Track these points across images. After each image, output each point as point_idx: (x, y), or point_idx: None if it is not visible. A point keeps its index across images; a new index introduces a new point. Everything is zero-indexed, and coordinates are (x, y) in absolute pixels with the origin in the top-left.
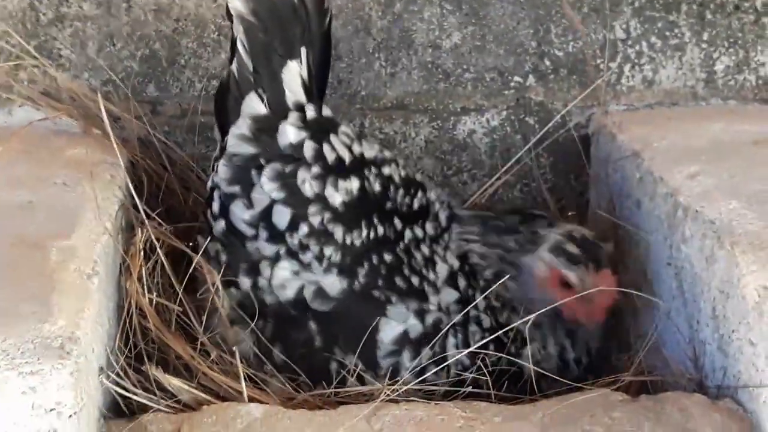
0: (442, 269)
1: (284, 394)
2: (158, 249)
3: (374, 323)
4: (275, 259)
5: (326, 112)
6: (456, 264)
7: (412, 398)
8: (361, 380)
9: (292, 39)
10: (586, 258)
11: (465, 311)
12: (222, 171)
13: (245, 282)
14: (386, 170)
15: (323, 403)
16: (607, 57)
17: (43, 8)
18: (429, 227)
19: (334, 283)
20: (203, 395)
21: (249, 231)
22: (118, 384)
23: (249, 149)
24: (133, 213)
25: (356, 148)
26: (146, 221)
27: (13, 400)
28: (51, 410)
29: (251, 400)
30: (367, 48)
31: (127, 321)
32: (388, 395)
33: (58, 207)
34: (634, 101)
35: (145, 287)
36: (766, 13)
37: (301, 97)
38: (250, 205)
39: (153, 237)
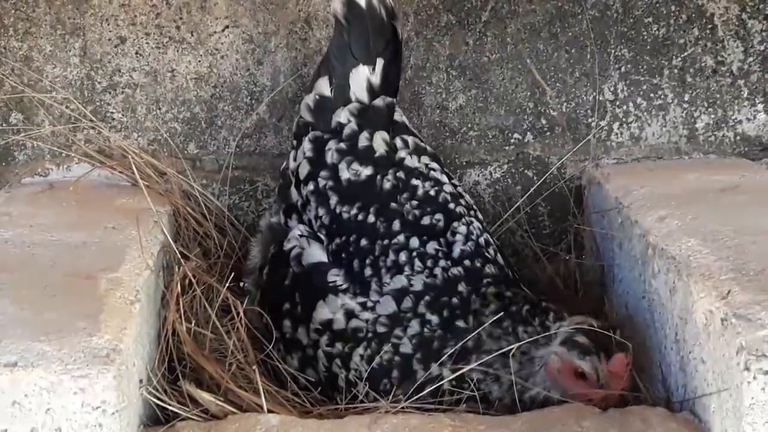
0: (399, 280)
1: (300, 408)
2: (195, 284)
3: (314, 303)
4: (295, 207)
5: (397, 116)
6: (419, 287)
7: (408, 410)
8: (297, 343)
9: (371, 48)
10: (597, 348)
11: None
12: (294, 127)
13: (281, 218)
14: (414, 181)
15: (334, 416)
16: (598, 116)
17: (98, 77)
18: (430, 246)
19: (312, 253)
20: (229, 407)
21: (290, 177)
22: (156, 396)
23: (308, 117)
24: (173, 254)
25: (401, 153)
26: (182, 260)
27: (66, 399)
28: (97, 407)
29: (270, 412)
30: None
31: (164, 345)
32: (387, 410)
33: (108, 246)
34: (623, 155)
35: (182, 316)
36: (742, 76)
37: (363, 96)
38: (295, 157)
39: (189, 273)
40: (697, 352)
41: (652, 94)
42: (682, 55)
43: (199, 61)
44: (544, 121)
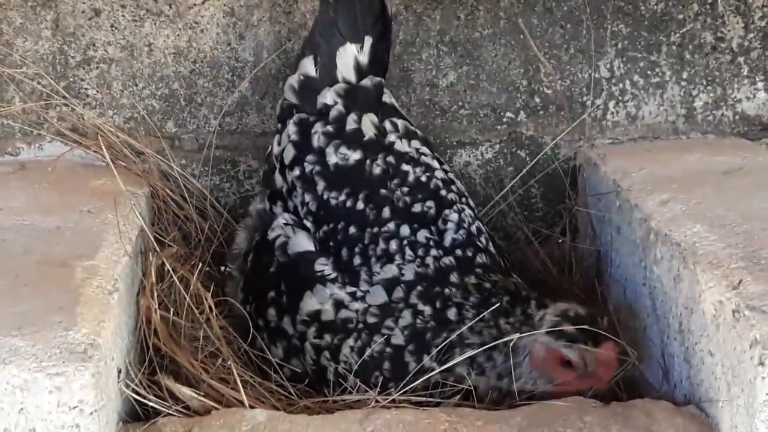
0: (390, 270)
1: (285, 401)
2: (170, 271)
3: (302, 293)
4: (280, 193)
5: (386, 98)
6: (411, 278)
7: (402, 404)
8: (283, 333)
9: (359, 25)
10: (584, 336)
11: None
12: (278, 109)
13: (266, 204)
14: (404, 167)
15: (321, 409)
16: (593, 94)
17: (71, 52)
18: (421, 234)
19: (297, 242)
20: (210, 402)
21: (273, 163)
22: (135, 391)
23: (293, 99)
24: (150, 238)
25: (391, 137)
26: (157, 247)
27: (41, 398)
28: (74, 407)
29: (252, 407)
30: None
31: (141, 336)
32: (377, 402)
33: (83, 231)
34: (619, 135)
35: (156, 304)
36: (742, 53)
37: (351, 76)
38: (279, 141)
39: (166, 261)
40: (704, 343)
41: (649, 72)
42: (681, 31)
43: (178, 35)
44: (537, 100)
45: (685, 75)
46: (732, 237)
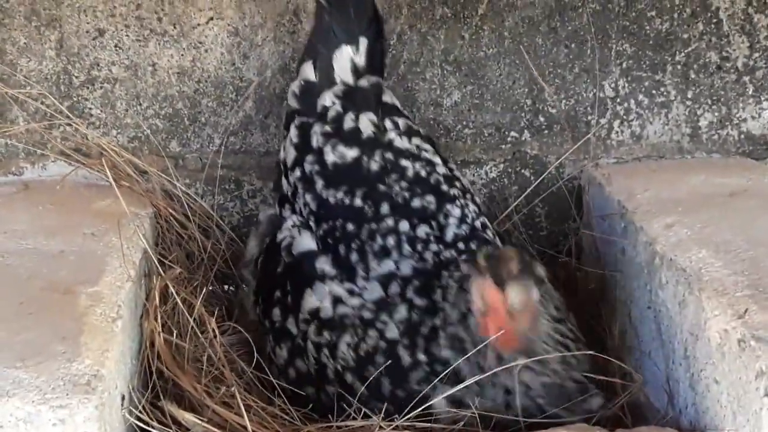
0: (386, 265)
1: (289, 426)
2: (175, 294)
3: (302, 291)
4: (287, 197)
5: (386, 97)
6: (408, 273)
7: (406, 430)
8: (287, 334)
9: (353, 28)
10: (489, 271)
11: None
12: (283, 117)
13: (277, 209)
14: (403, 162)
15: None
16: (598, 114)
17: (75, 72)
18: (421, 230)
19: (302, 242)
20: (213, 429)
21: (281, 168)
22: (138, 418)
23: (294, 104)
24: (154, 260)
25: (390, 134)
26: (161, 270)
27: (45, 431)
28: None
29: None
30: None
31: (145, 359)
32: (381, 429)
33: (87, 255)
34: (624, 155)
35: (160, 328)
36: (747, 73)
37: (348, 77)
38: (284, 147)
39: (170, 284)
40: (709, 371)
41: (654, 91)
42: (686, 51)
43: (182, 55)
44: (542, 119)
45: (690, 94)
46: (738, 263)
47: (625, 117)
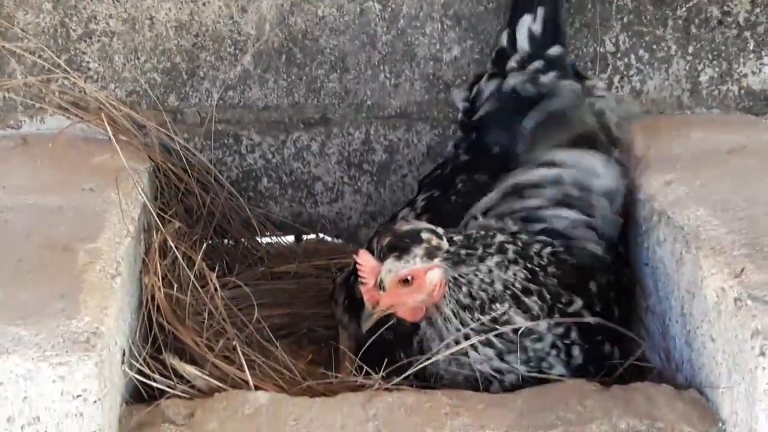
0: None
1: (288, 381)
2: (174, 248)
3: None
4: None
5: (553, 50)
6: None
7: (404, 387)
8: None
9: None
10: (375, 243)
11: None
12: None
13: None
14: None
15: (327, 390)
16: (598, 69)
17: (73, 25)
18: None
19: None
20: (215, 382)
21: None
22: (139, 371)
23: (489, 67)
24: (153, 215)
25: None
26: (160, 225)
27: (45, 387)
28: (78, 396)
29: (257, 388)
30: (373, 61)
31: (145, 314)
32: (380, 384)
33: (86, 211)
34: None
35: (161, 282)
36: (748, 28)
37: (525, 44)
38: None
39: (169, 238)
40: (705, 328)
41: (654, 46)
42: (687, 5)
43: (180, 8)
44: None
45: (690, 49)
46: (735, 222)
47: (625, 72)
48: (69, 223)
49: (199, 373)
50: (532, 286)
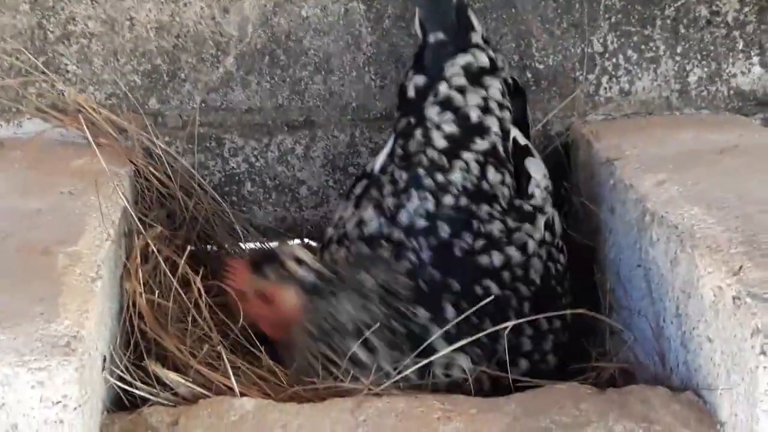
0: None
1: (274, 387)
2: (156, 253)
3: None
4: None
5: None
6: None
7: (393, 392)
8: None
9: None
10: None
11: None
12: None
13: None
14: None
15: (315, 396)
16: (586, 69)
17: (50, 26)
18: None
19: None
20: (199, 389)
21: None
22: (120, 378)
23: None
24: (134, 219)
25: None
26: (142, 229)
27: (23, 393)
28: (57, 402)
29: (242, 394)
30: (358, 62)
31: (127, 320)
32: (370, 390)
33: (65, 214)
34: (612, 111)
35: (142, 288)
36: (737, 27)
37: None
38: None
39: (151, 242)
40: (702, 329)
41: (643, 46)
42: (676, 5)
43: (160, 9)
44: (529, 75)
45: (679, 49)
46: (731, 220)
47: (613, 73)
48: (47, 227)
49: (183, 380)
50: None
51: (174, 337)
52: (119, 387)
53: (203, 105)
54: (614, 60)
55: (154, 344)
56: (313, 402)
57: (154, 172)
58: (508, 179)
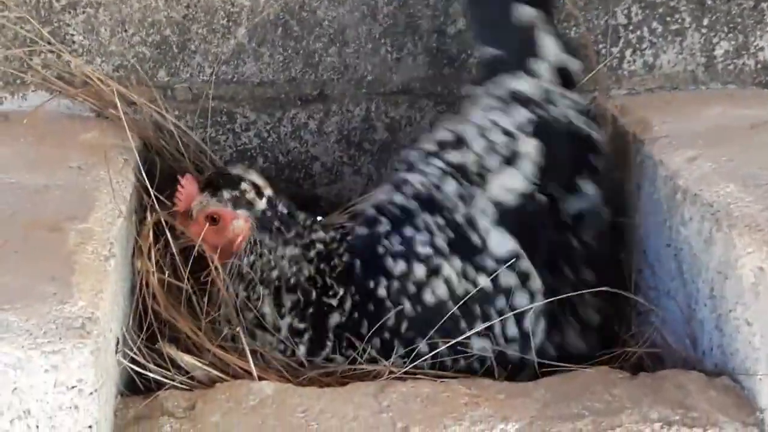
0: None
1: (291, 372)
2: (166, 231)
3: None
4: None
5: None
6: None
7: (418, 376)
8: None
9: None
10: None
11: None
12: None
13: None
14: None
15: (334, 381)
16: (609, 42)
17: None
18: None
19: None
20: (216, 372)
21: None
22: (134, 361)
23: None
24: (145, 195)
25: None
26: (156, 205)
27: (36, 378)
28: (72, 387)
29: (260, 378)
30: (374, 34)
31: (140, 300)
32: (391, 372)
33: (74, 190)
34: (636, 85)
35: (154, 267)
36: None
37: None
38: None
39: (163, 220)
40: (740, 311)
41: (668, 18)
42: None
43: None
44: None
45: (705, 21)
46: None
47: (637, 45)
48: (56, 203)
49: (199, 363)
50: (304, 287)
51: (188, 318)
52: (133, 370)
53: (214, 78)
54: (638, 32)
55: (166, 325)
56: (333, 386)
57: (165, 146)
58: None
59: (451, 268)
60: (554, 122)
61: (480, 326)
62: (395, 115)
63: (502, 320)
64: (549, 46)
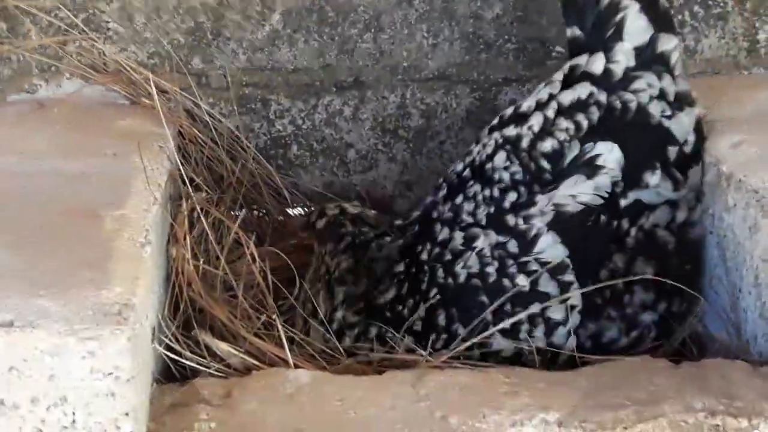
0: None
1: (328, 359)
2: (202, 218)
3: None
4: None
5: None
6: None
7: (456, 364)
8: None
9: None
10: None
11: None
12: None
13: None
14: None
15: (371, 370)
16: None
17: None
18: None
19: None
20: (251, 360)
21: None
22: (169, 348)
23: None
24: (180, 183)
25: None
26: (192, 192)
27: (73, 364)
28: (109, 374)
29: (296, 366)
30: (410, 19)
31: (175, 287)
32: (428, 361)
33: (110, 177)
34: None
35: (189, 254)
36: None
37: None
38: None
39: (198, 207)
40: None
41: (710, 2)
42: None
43: None
44: None
45: (748, 5)
46: None
47: (678, 30)
48: (92, 190)
49: (235, 351)
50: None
51: (224, 305)
52: (168, 357)
53: (248, 65)
54: (680, 16)
55: (200, 313)
56: (369, 375)
57: (199, 134)
58: None
59: (486, 239)
60: (622, 113)
61: (504, 323)
62: (431, 101)
63: (530, 328)
64: (635, 26)
